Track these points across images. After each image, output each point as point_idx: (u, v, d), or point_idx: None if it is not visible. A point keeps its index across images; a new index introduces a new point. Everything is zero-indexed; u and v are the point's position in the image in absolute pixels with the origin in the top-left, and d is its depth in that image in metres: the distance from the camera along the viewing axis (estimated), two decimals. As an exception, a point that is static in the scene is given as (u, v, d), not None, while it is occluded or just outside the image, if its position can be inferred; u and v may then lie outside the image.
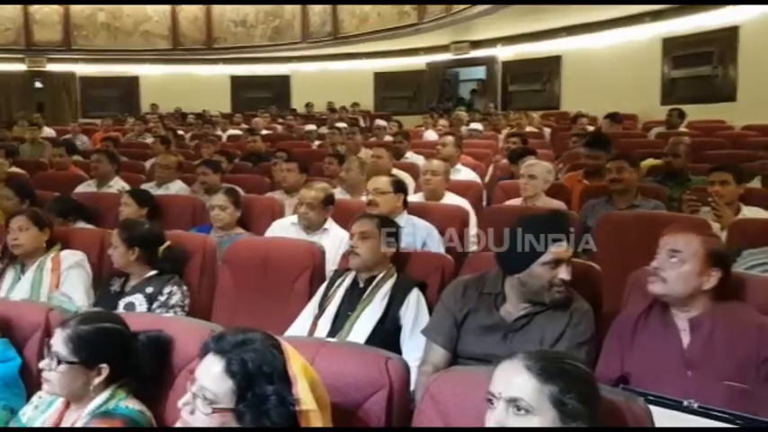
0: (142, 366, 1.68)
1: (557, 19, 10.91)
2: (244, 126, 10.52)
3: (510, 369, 1.26)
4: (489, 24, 11.22)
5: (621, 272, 2.31)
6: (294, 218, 3.41)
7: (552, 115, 11.08)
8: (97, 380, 1.62)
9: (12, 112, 13.63)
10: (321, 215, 3.29)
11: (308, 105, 14.43)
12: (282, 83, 15.84)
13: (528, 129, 8.71)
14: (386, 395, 1.53)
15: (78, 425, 1.58)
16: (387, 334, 2.32)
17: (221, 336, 1.34)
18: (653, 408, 1.41)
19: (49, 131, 9.08)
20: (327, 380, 1.51)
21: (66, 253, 2.89)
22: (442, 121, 9.88)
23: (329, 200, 3.34)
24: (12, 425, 1.70)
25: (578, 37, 11.56)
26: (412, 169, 4.99)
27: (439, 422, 1.46)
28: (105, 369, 1.63)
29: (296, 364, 1.32)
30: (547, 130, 8.83)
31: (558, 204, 3.70)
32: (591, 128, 7.99)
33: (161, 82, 15.32)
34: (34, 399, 1.72)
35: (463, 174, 5.09)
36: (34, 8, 14.20)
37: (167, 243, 2.75)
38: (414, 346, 2.27)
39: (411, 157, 6.07)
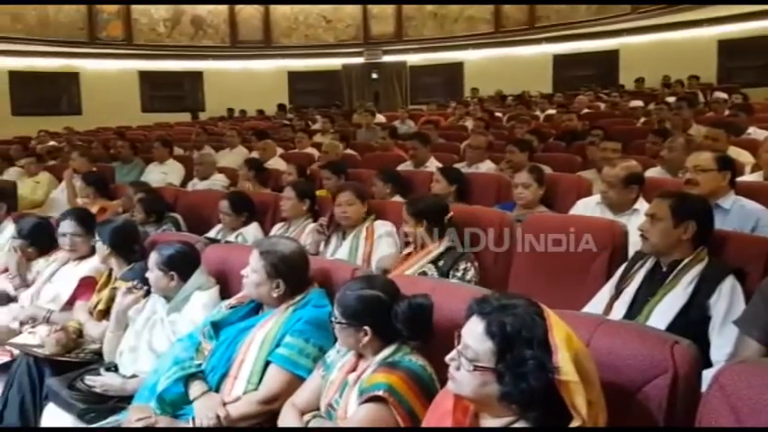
0: (401, 330, 1.78)
1: None
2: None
3: None
4: None
5: None
6: (599, 197, 3.25)
7: None
8: (365, 339, 1.80)
9: (353, 101, 15.47)
10: (623, 194, 3.08)
11: (637, 81, 13.48)
12: (608, 58, 15.03)
13: None
14: (669, 380, 1.43)
15: (368, 372, 1.77)
16: (692, 323, 2.10)
17: (484, 299, 1.39)
18: None
19: (380, 118, 10.03)
20: (605, 358, 1.48)
21: (378, 223, 3.24)
22: (808, 91, 8.33)
23: (632, 179, 3.09)
24: (318, 365, 1.97)
25: None
26: (751, 146, 4.39)
27: (727, 415, 1.30)
28: (368, 331, 1.79)
29: (559, 334, 1.31)
30: None
31: None
32: None
33: (483, 66, 15.82)
34: (338, 344, 1.96)
35: (826, 150, 4.26)
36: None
37: (450, 213, 2.88)
38: (725, 340, 2.04)
39: (754, 132, 5.38)
